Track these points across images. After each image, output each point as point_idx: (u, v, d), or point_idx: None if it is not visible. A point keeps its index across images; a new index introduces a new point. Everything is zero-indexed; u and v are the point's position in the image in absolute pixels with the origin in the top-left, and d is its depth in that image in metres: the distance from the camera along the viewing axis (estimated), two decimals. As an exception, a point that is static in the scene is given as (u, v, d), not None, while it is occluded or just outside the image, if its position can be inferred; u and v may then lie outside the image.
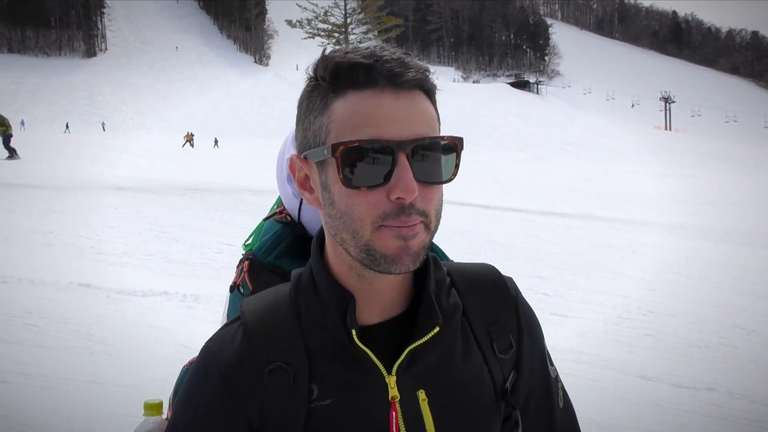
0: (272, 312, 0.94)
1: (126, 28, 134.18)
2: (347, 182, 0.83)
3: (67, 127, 57.79)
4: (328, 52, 0.89)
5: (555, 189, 25.03)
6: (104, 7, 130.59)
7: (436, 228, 0.89)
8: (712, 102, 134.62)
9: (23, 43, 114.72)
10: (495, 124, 78.80)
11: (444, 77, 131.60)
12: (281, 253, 1.22)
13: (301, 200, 1.21)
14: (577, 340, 6.30)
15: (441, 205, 0.89)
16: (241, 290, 1.23)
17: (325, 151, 0.84)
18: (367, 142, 0.82)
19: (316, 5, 41.27)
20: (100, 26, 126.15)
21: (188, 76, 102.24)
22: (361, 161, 0.82)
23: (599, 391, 4.94)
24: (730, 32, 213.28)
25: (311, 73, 0.89)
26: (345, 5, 42.19)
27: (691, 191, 27.77)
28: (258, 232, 1.33)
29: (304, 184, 0.93)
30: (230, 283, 1.28)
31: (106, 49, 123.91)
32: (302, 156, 0.91)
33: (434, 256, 0.99)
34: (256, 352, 0.91)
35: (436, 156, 0.86)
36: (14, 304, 5.58)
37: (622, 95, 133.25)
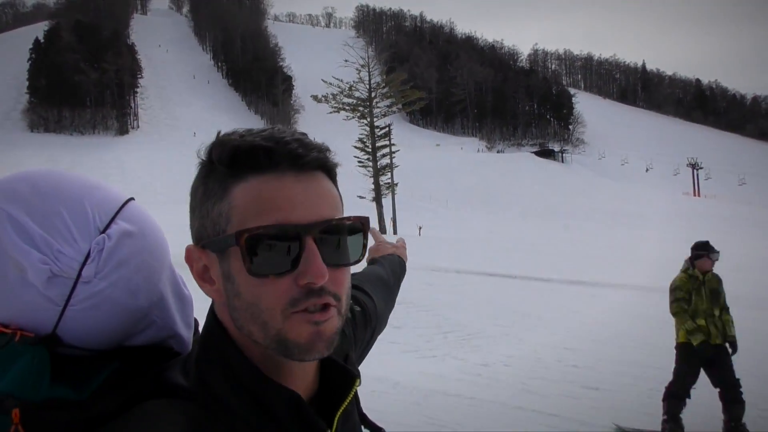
0: None
1: (157, 106, 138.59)
2: (253, 271, 0.78)
3: None
4: (222, 134, 0.83)
5: (583, 258, 24.72)
6: (137, 87, 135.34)
7: (347, 312, 0.84)
8: (741, 167, 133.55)
9: (59, 122, 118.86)
10: (520, 194, 78.91)
11: (468, 148, 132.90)
12: (52, 380, 0.85)
13: (64, 308, 0.88)
14: (610, 415, 6.04)
15: (350, 288, 0.86)
16: None
17: (229, 240, 0.79)
18: (271, 228, 0.77)
19: (341, 80, 42.32)
20: (132, 105, 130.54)
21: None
22: (267, 248, 0.77)
23: (634, 471, 4.68)
24: (755, 98, 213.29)
25: (204, 157, 0.83)
26: (369, 80, 43.19)
27: (723, 257, 27.23)
28: None
29: (203, 275, 0.85)
30: None
31: (138, 126, 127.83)
32: (200, 246, 0.84)
33: None
34: None
35: (343, 238, 0.82)
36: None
37: (648, 162, 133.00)
